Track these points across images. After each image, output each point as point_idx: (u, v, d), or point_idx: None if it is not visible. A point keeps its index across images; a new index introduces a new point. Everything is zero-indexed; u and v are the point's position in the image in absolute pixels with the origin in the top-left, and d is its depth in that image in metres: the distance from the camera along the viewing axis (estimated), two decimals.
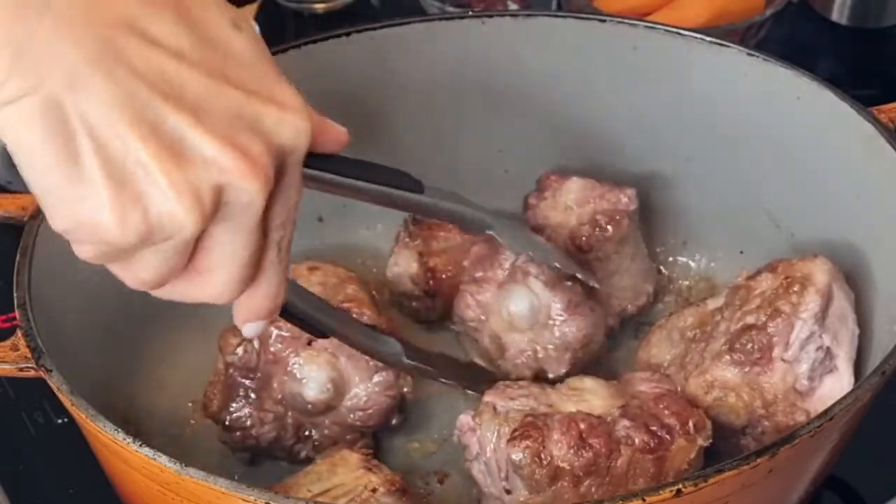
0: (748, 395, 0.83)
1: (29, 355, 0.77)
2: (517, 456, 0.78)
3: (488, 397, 0.84)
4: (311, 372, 0.86)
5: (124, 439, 0.71)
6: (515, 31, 1.00)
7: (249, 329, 0.66)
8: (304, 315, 0.77)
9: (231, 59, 0.57)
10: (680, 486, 0.67)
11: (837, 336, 0.84)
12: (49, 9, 0.52)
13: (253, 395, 0.86)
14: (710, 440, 0.81)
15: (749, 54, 0.96)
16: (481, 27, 1.00)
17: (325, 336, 0.80)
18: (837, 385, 0.83)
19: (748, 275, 0.88)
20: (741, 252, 1.02)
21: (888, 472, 0.92)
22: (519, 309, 0.90)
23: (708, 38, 0.97)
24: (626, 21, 1.00)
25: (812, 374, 0.83)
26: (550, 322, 0.90)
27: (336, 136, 0.66)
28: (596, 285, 0.91)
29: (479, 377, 0.92)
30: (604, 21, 1.00)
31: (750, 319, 0.85)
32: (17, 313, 0.79)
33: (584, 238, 0.94)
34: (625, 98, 1.01)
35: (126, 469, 0.74)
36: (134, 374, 0.91)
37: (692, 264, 1.04)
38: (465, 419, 0.83)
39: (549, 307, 0.90)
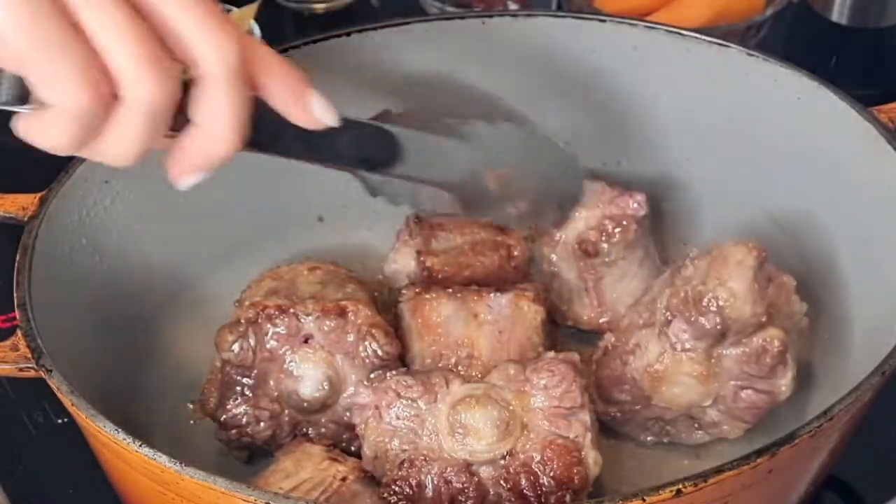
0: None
1: (29, 355, 0.77)
2: None
3: (375, 395, 0.81)
4: (307, 370, 0.85)
5: (124, 439, 0.71)
6: (515, 31, 1.00)
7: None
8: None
9: None
10: (680, 486, 0.67)
11: None
12: None
13: (249, 393, 0.86)
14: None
15: (749, 54, 0.96)
16: (481, 27, 1.00)
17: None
18: None
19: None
20: None
21: (888, 472, 0.92)
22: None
23: (708, 38, 0.97)
24: (626, 21, 1.00)
25: None
26: None
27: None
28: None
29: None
30: (604, 21, 1.00)
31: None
32: (17, 313, 0.79)
33: (591, 242, 0.94)
34: (624, 98, 1.01)
35: (126, 469, 0.74)
36: (134, 374, 0.91)
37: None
38: (357, 413, 0.82)
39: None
